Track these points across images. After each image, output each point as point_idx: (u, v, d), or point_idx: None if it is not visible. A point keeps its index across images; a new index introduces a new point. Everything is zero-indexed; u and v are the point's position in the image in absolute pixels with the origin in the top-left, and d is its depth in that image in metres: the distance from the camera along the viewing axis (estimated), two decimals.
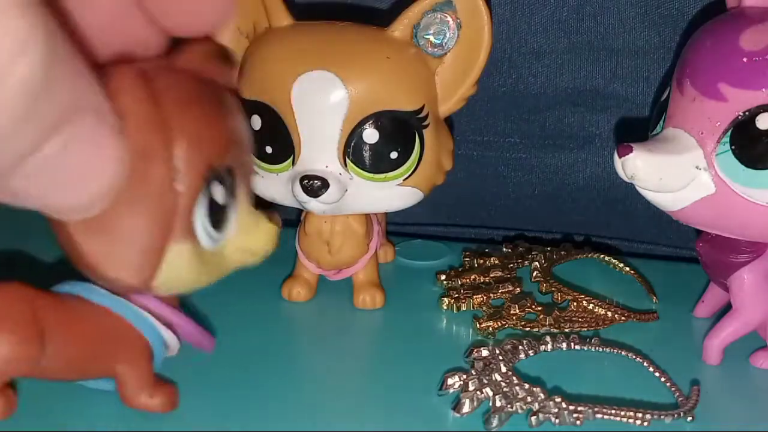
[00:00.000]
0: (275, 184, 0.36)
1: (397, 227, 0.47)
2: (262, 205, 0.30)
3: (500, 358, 0.33)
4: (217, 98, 0.28)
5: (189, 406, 0.31)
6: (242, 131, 0.29)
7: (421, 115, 0.35)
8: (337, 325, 0.38)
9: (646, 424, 0.31)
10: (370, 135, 0.35)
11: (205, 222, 0.27)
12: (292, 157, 0.35)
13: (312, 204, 0.35)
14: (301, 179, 0.35)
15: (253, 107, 0.35)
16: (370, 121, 0.35)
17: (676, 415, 0.31)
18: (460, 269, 0.42)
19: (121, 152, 0.24)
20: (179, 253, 0.27)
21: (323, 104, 0.34)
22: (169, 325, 0.31)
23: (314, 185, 0.35)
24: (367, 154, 0.35)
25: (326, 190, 0.35)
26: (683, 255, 0.45)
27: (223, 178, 0.27)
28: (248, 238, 0.29)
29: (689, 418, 0.31)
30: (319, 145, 0.35)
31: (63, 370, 0.29)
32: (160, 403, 0.31)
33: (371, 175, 0.35)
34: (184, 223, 0.27)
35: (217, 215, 0.28)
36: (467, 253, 0.43)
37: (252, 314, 0.38)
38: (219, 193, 0.27)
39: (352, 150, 0.35)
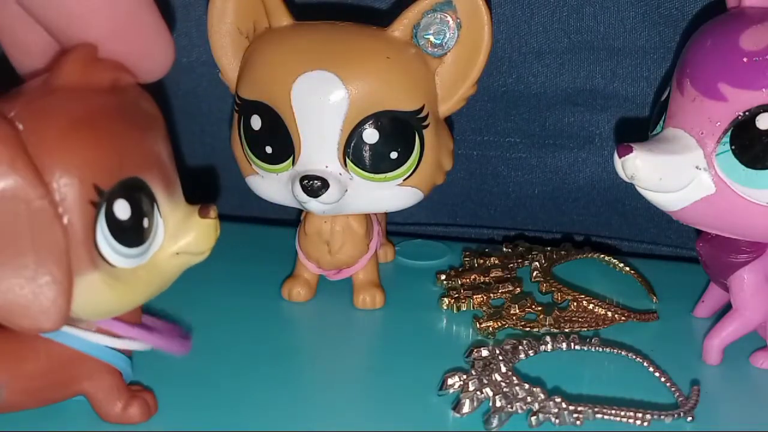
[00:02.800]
0: (275, 184, 0.36)
1: (397, 227, 0.47)
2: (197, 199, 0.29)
3: (500, 358, 0.33)
4: (108, 108, 0.26)
5: (189, 407, 0.31)
6: (151, 132, 0.28)
7: (421, 115, 0.35)
8: (337, 325, 0.38)
9: (646, 424, 0.31)
10: (370, 135, 0.35)
11: (113, 243, 0.26)
12: (292, 157, 0.35)
13: (312, 204, 0.35)
14: (301, 179, 0.35)
15: (253, 107, 0.35)
16: (370, 121, 0.35)
17: (676, 415, 0.31)
18: (460, 269, 0.42)
19: None
20: (90, 283, 0.26)
21: (323, 104, 0.34)
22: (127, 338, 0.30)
23: (314, 185, 0.34)
24: (367, 154, 0.35)
25: (326, 190, 0.35)
26: (683, 255, 0.45)
27: (126, 193, 0.26)
28: (181, 241, 0.28)
29: (689, 418, 0.31)
30: (319, 145, 0.35)
31: (25, 402, 0.29)
32: (138, 413, 0.30)
33: (371, 175, 0.35)
34: (86, 253, 0.25)
35: (131, 231, 0.26)
36: (467, 253, 0.43)
37: (252, 314, 0.38)
38: (123, 210, 0.26)
39: (352, 150, 0.35)
